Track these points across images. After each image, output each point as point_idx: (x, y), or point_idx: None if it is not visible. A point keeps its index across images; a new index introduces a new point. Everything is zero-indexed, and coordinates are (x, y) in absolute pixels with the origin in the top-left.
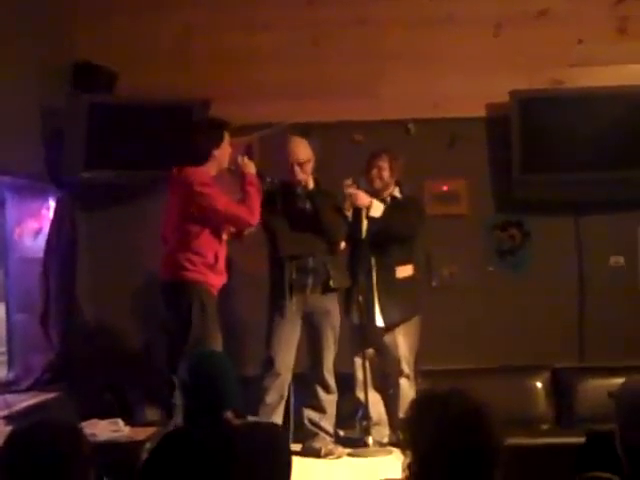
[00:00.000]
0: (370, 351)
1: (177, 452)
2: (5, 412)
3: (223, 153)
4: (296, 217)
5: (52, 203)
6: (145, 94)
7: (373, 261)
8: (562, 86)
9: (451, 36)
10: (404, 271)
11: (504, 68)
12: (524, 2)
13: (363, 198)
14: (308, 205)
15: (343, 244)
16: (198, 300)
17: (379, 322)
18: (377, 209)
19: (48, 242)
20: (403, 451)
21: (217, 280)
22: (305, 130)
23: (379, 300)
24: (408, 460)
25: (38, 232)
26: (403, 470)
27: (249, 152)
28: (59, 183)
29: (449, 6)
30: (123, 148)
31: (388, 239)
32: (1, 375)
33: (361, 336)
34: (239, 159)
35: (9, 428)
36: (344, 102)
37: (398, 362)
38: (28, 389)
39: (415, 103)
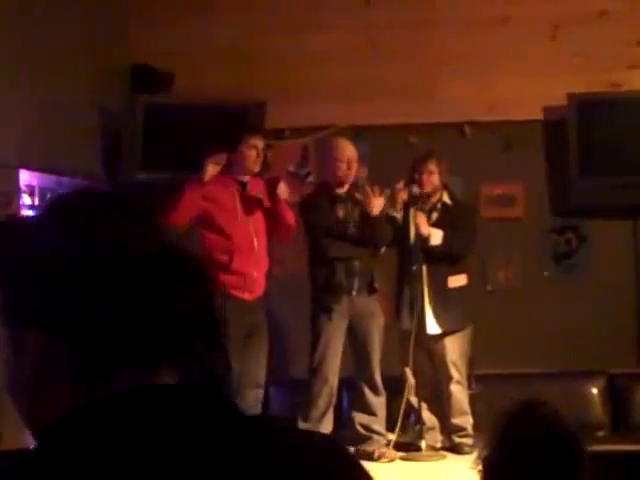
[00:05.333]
0: (412, 359)
1: None
2: None
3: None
4: (341, 219)
5: None
6: (201, 96)
7: (425, 269)
8: (620, 89)
9: (507, 37)
10: (457, 281)
11: (561, 70)
12: (582, 3)
13: (424, 227)
14: (353, 207)
15: (384, 248)
16: None
17: (432, 329)
18: (436, 237)
19: None
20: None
21: (235, 280)
22: (359, 132)
23: (432, 308)
24: (484, 453)
25: None
26: (475, 462)
27: (305, 154)
28: (116, 184)
29: (505, 7)
30: (179, 149)
31: (448, 257)
32: None
33: (410, 340)
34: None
35: None
36: (399, 104)
37: (447, 368)
38: None
39: (471, 105)
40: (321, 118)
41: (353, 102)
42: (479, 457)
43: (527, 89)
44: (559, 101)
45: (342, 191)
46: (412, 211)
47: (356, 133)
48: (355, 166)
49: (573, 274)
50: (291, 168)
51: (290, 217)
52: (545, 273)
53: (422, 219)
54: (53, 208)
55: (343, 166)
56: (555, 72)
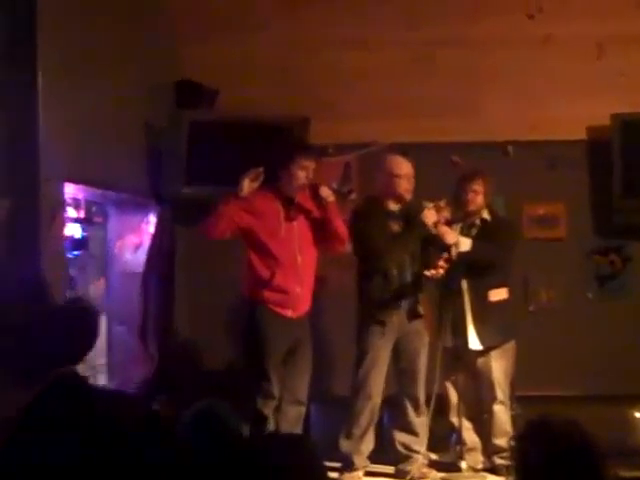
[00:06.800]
0: (454, 379)
1: None
2: None
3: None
4: (397, 233)
5: (152, 218)
6: (245, 112)
7: (465, 284)
8: None
9: (552, 57)
10: (498, 294)
11: (605, 90)
12: (627, 23)
13: (450, 236)
14: (406, 224)
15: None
16: (250, 318)
17: (474, 345)
18: (465, 244)
19: (148, 257)
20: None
21: (276, 297)
22: (403, 150)
23: (474, 323)
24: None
25: (138, 247)
26: None
27: (347, 171)
28: (159, 198)
29: (550, 26)
30: (223, 164)
31: (480, 267)
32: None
33: (453, 359)
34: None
35: None
36: (443, 122)
37: (492, 387)
38: None
39: (514, 125)
40: (365, 135)
41: (397, 119)
42: None
43: (571, 109)
44: (603, 121)
45: (396, 208)
46: (439, 225)
47: (399, 150)
48: (413, 182)
49: (617, 296)
50: (334, 185)
51: (341, 225)
52: (588, 294)
53: (445, 229)
54: None
55: (404, 182)
56: (599, 92)
